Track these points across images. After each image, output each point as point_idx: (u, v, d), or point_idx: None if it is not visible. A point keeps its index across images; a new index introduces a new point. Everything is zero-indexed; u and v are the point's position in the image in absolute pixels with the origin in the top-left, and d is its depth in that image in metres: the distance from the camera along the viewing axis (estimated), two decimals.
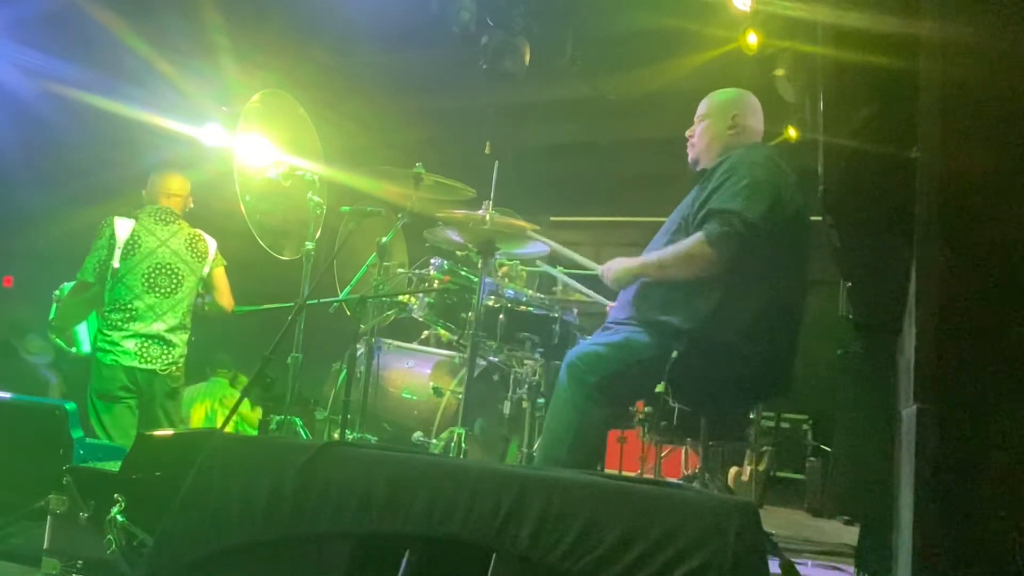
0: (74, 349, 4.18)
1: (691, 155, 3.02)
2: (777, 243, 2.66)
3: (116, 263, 3.99)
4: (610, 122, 6.76)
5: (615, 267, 2.85)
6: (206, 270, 4.23)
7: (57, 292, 4.12)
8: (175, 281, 4.09)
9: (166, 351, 4.04)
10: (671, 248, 2.73)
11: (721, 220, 2.61)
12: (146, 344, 3.99)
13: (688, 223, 2.76)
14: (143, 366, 3.98)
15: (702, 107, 3.03)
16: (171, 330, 4.06)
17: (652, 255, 2.80)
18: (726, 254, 2.60)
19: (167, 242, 4.11)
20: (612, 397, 2.70)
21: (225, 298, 4.29)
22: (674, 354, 2.61)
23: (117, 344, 3.96)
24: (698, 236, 2.64)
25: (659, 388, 2.62)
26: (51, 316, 4.13)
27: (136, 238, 4.04)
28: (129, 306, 3.98)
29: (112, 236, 4.02)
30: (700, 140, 2.98)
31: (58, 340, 4.17)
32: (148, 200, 4.22)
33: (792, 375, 2.82)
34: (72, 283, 4.08)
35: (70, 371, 5.40)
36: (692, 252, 2.64)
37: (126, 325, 3.98)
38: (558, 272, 4.06)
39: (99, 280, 4.02)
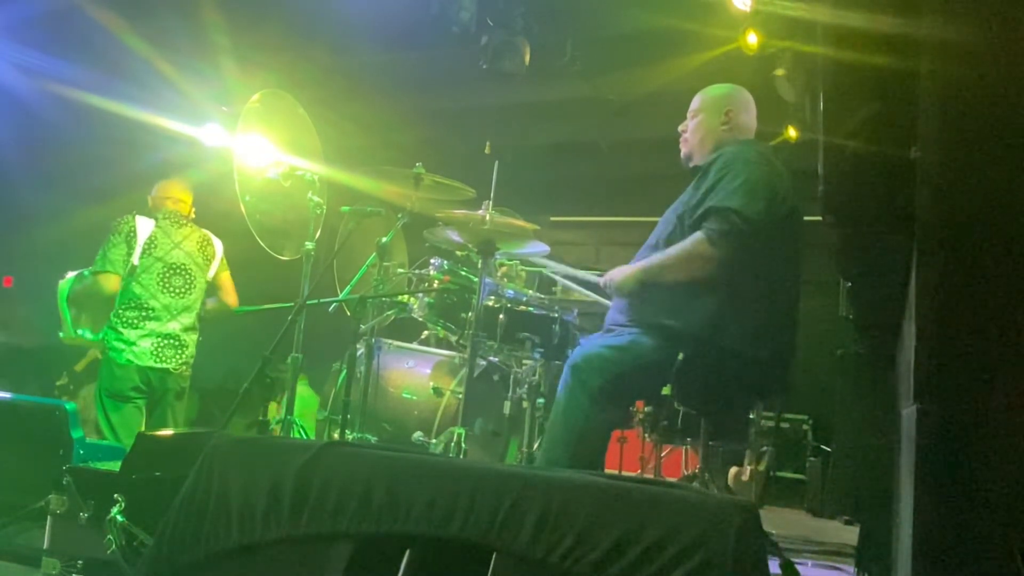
0: (80, 331, 4.14)
1: (684, 150, 3.02)
2: (773, 240, 2.66)
3: (135, 260, 4.02)
4: (610, 122, 6.76)
5: (617, 276, 2.81)
6: (211, 274, 4.28)
7: (65, 284, 4.08)
8: (188, 282, 4.14)
9: (179, 351, 4.09)
10: (672, 250, 2.71)
11: (720, 218, 2.61)
12: (162, 343, 4.04)
13: (684, 221, 2.75)
14: (158, 365, 4.02)
15: (695, 102, 3.03)
16: (185, 330, 4.12)
17: (653, 258, 2.76)
18: (727, 252, 2.60)
19: (180, 244, 4.16)
20: (616, 399, 2.70)
21: (231, 296, 4.37)
22: (680, 356, 2.60)
23: (133, 343, 3.98)
24: (698, 236, 2.64)
25: (666, 390, 2.62)
26: (67, 289, 4.08)
27: (154, 238, 4.09)
28: (145, 305, 4.02)
29: (132, 233, 4.06)
30: (693, 136, 2.98)
31: (66, 313, 4.10)
32: (153, 206, 4.25)
33: (792, 373, 2.82)
34: (72, 278, 4.07)
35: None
36: (694, 252, 2.64)
37: (142, 324, 4.01)
38: (558, 268, 4.05)
39: (122, 275, 4.04)
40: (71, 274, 4.14)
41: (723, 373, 2.65)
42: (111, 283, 4.02)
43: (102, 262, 4.02)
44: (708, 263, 2.61)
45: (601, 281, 2.93)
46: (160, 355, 4.02)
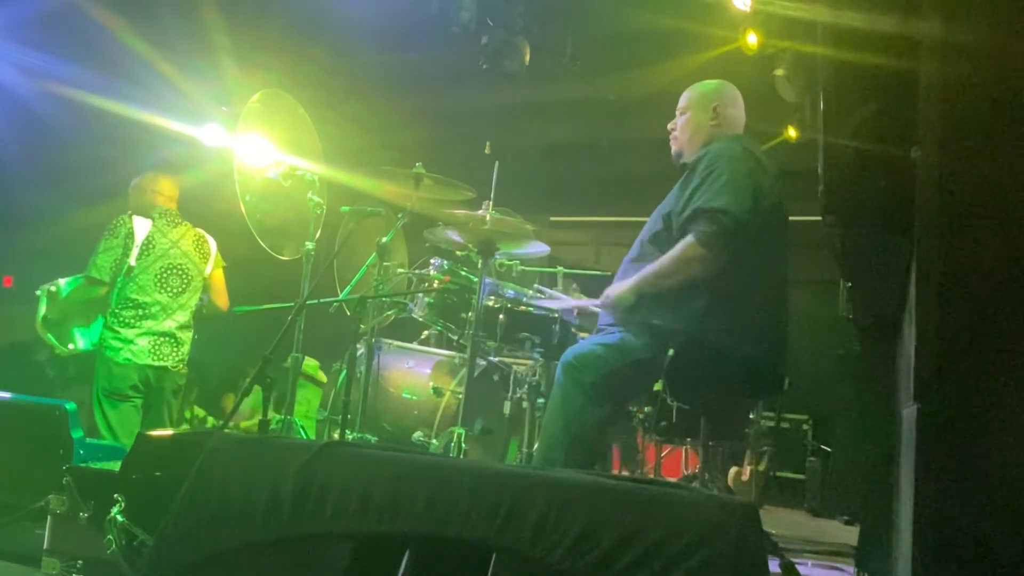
0: (71, 346, 4.16)
1: (674, 148, 3.02)
2: (759, 235, 2.66)
3: (132, 261, 4.03)
4: (610, 122, 6.76)
5: (614, 294, 2.80)
6: (208, 270, 4.28)
7: (52, 288, 4.08)
8: (185, 281, 4.16)
9: (176, 348, 4.12)
10: (665, 258, 2.71)
11: (709, 219, 2.62)
12: (159, 341, 4.06)
13: (670, 220, 2.76)
14: (156, 363, 4.04)
15: (683, 100, 3.03)
16: (180, 328, 4.14)
17: (646, 270, 2.75)
18: (718, 252, 2.60)
19: (178, 243, 4.18)
20: (609, 396, 2.70)
21: (221, 298, 4.38)
22: (670, 352, 2.60)
23: (130, 342, 3.99)
24: (689, 239, 2.64)
25: (657, 386, 2.62)
26: (42, 312, 4.09)
27: (151, 238, 4.10)
28: (142, 304, 4.03)
29: (130, 235, 4.07)
30: (683, 133, 2.99)
31: (50, 336, 4.13)
32: (149, 201, 4.23)
33: (784, 370, 2.81)
34: (71, 279, 4.08)
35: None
36: (686, 256, 2.64)
37: (139, 323, 4.02)
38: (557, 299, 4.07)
39: (112, 279, 4.04)
40: (58, 282, 4.10)
41: (713, 368, 2.65)
42: (98, 290, 4.03)
43: (92, 267, 4.03)
44: (701, 265, 2.62)
45: (600, 304, 2.93)
46: (158, 353, 4.04)
